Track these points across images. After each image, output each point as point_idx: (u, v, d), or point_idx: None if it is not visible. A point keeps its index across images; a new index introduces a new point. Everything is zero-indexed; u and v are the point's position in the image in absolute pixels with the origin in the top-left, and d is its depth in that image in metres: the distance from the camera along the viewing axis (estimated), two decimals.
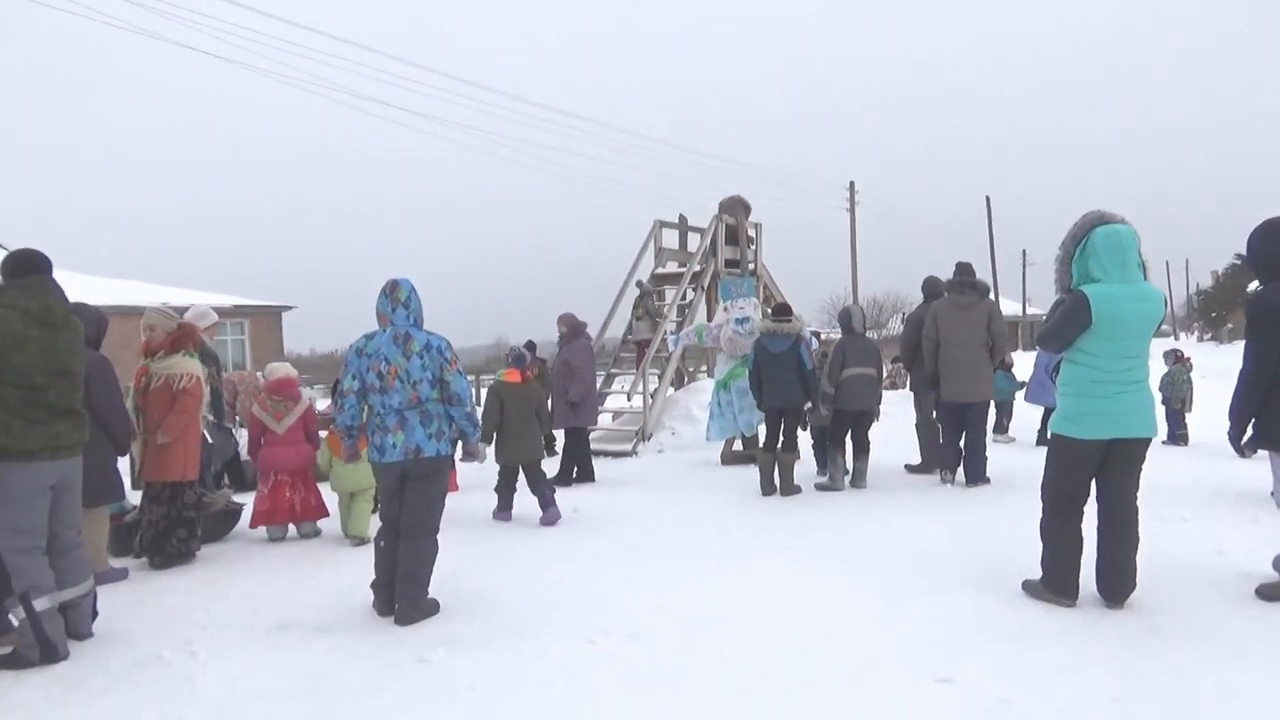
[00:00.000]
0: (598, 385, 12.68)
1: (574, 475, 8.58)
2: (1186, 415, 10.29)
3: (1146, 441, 4.05)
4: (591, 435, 11.33)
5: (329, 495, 6.43)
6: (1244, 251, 4.28)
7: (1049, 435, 4.20)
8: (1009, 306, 46.24)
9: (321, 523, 6.41)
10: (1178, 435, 10.09)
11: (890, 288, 61.19)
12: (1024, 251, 52.53)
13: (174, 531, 5.47)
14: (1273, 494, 6.39)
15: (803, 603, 4.32)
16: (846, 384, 7.52)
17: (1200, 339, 54.97)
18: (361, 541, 5.97)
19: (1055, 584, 4.09)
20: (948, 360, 7.50)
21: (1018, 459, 8.55)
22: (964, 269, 7.76)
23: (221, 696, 3.35)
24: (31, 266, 3.86)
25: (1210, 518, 5.95)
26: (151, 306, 5.92)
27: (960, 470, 7.59)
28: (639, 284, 12.72)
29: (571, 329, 8.98)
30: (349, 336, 4.73)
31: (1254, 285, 6.26)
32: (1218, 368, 21.78)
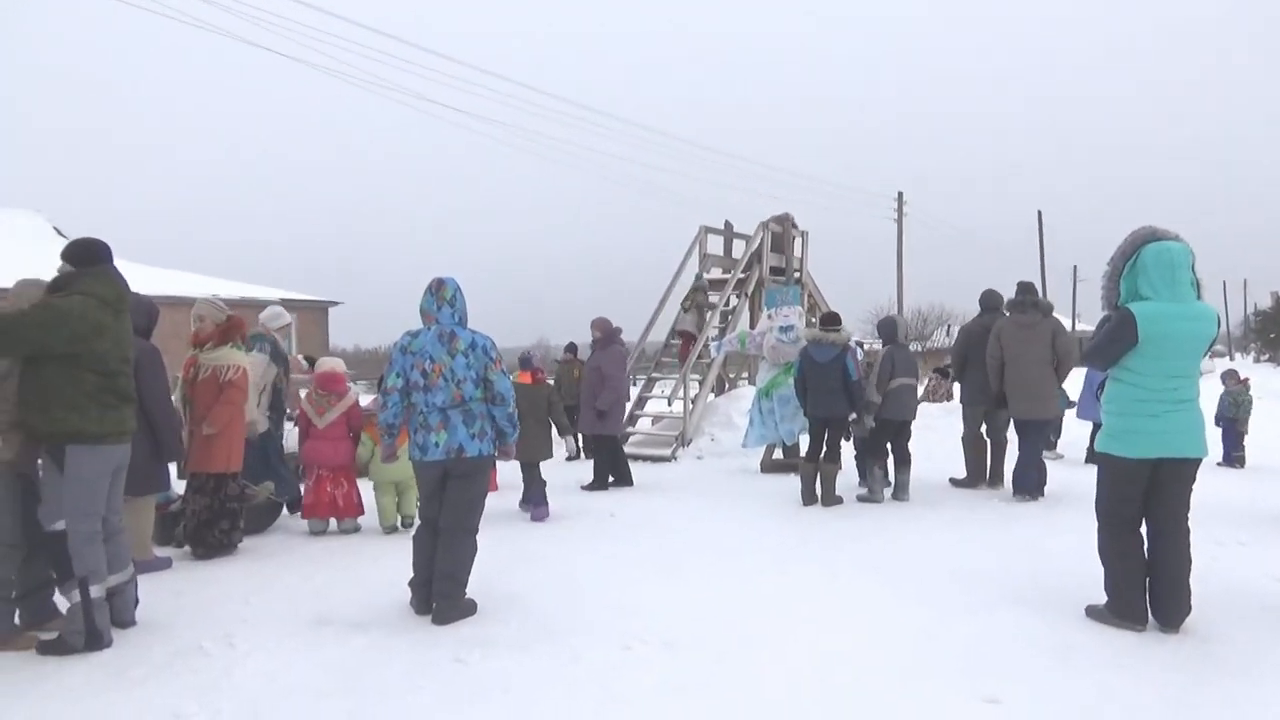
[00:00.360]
0: (638, 389, 12.68)
1: (610, 480, 8.54)
2: (1245, 437, 9.99)
3: (1196, 462, 3.94)
4: (631, 439, 11.35)
5: (369, 493, 6.49)
6: None
7: (1095, 453, 4.10)
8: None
9: (360, 519, 6.47)
10: (1234, 457, 9.79)
11: (935, 299, 60.51)
12: (1075, 267, 51.53)
13: (216, 523, 5.54)
14: None
15: (843, 614, 4.24)
16: (893, 394, 7.45)
17: (1256, 360, 53.47)
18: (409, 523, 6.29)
19: (1121, 608, 3.96)
20: (1012, 379, 7.48)
21: (1066, 475, 8.34)
22: (1026, 288, 7.74)
23: (259, 690, 3.36)
24: (99, 256, 3.96)
25: (1267, 543, 5.74)
26: (202, 298, 6.01)
27: (1009, 481, 7.56)
28: (698, 276, 12.74)
29: (605, 334, 8.89)
30: (393, 333, 4.77)
31: None
32: (1275, 390, 21.18)
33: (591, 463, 8.73)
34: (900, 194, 33.49)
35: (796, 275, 12.96)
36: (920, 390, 9.90)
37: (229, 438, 5.57)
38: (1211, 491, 6.13)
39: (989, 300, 8.27)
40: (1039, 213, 38.94)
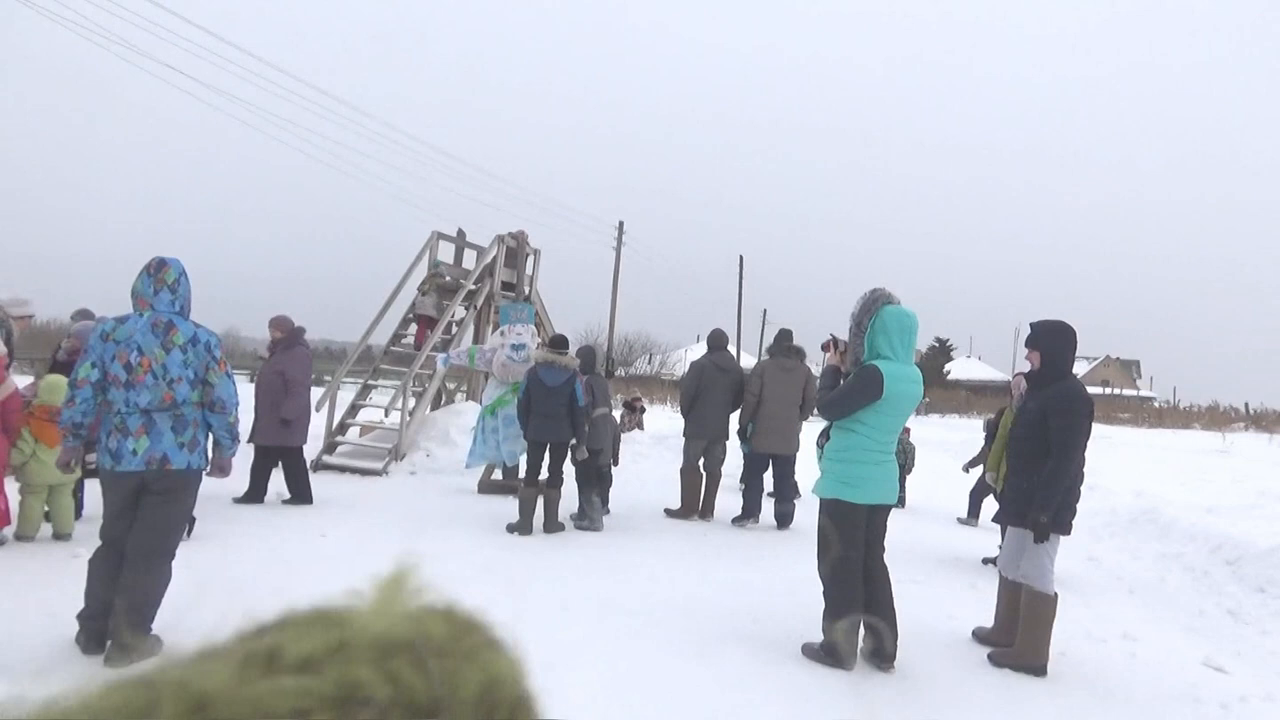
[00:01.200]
0: (351, 396, 11.89)
1: (293, 496, 7.74)
2: (907, 479, 11.34)
3: (890, 507, 4.37)
4: (338, 450, 10.58)
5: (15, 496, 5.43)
6: (1030, 337, 4.57)
7: (821, 500, 4.32)
8: (746, 361, 49.26)
9: (7, 530, 5.39)
10: (899, 498, 11.05)
11: (640, 328, 63.35)
12: (765, 311, 56.29)
13: None
14: (989, 560, 7.12)
15: (577, 653, 4.13)
16: (595, 423, 7.63)
17: None
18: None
19: (838, 650, 4.18)
20: (766, 416, 8.08)
21: (767, 509, 8.92)
22: (786, 335, 8.43)
23: None
24: None
25: (936, 582, 6.43)
26: None
27: (750, 516, 8.17)
28: (437, 263, 12.37)
29: (288, 335, 8.00)
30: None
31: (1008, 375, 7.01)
32: (919, 438, 24.47)
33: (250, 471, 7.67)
34: (621, 223, 34.84)
35: (527, 293, 12.88)
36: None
37: None
38: None
39: (717, 340, 8.71)
40: (740, 257, 42.28)
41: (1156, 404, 44.01)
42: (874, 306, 4.20)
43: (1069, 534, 4.53)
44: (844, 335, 4.53)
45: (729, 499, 9.26)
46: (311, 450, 10.77)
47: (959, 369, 68.73)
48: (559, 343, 7.69)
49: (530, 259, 13.21)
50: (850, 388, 4.16)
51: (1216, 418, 38.51)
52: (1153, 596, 6.41)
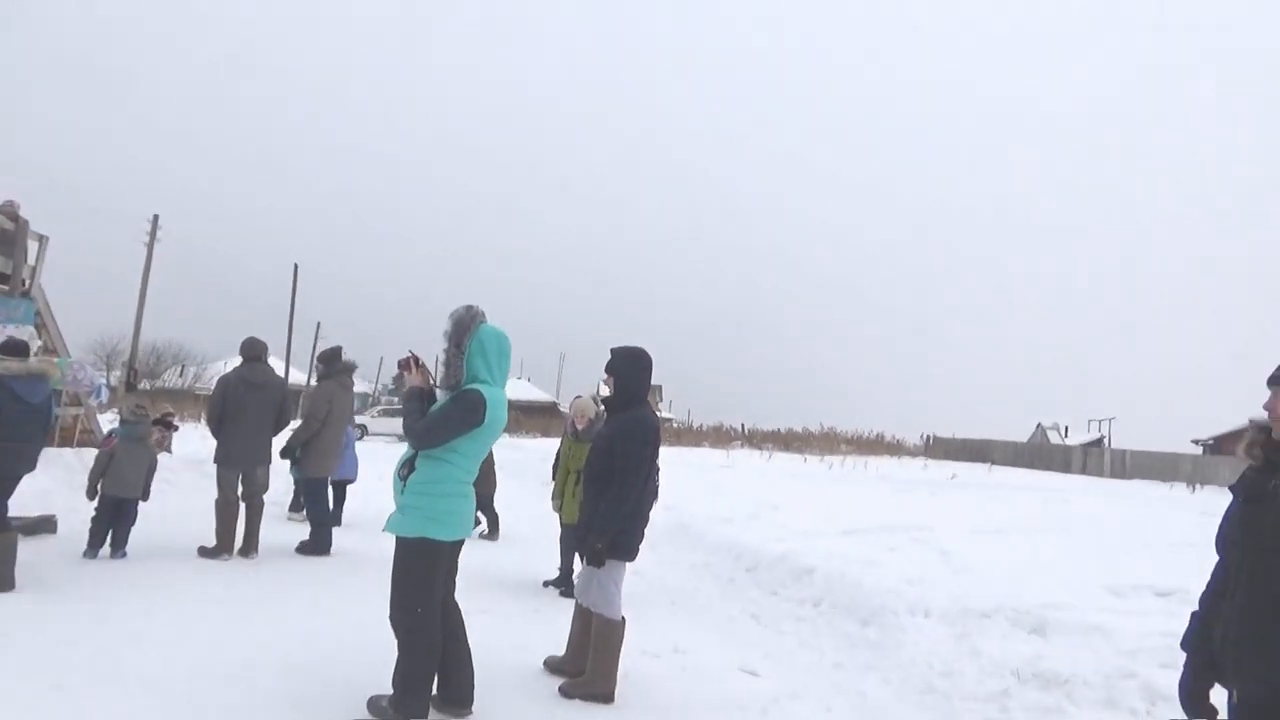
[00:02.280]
0: None
1: None
2: None
3: (464, 540, 4.10)
4: None
5: None
6: (608, 363, 4.62)
7: (401, 540, 3.85)
8: (297, 376, 46.06)
9: None
10: None
11: (172, 336, 56.70)
12: (319, 324, 52.95)
13: None
14: (549, 583, 7.26)
15: None
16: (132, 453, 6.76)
17: None
18: None
19: (414, 705, 3.79)
20: (327, 439, 7.87)
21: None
22: (340, 352, 8.27)
23: None
24: None
25: (501, 609, 6.29)
26: None
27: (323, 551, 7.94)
28: None
29: None
30: None
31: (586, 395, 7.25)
32: None
33: None
34: (156, 217, 30.73)
35: (26, 286, 10.48)
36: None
37: None
38: None
39: (250, 350, 7.77)
40: (295, 266, 39.76)
41: (675, 425, 49.89)
42: (472, 325, 3.91)
43: (633, 559, 4.62)
44: (419, 352, 4.13)
45: (276, 530, 8.43)
46: None
47: (510, 390, 71.42)
48: (18, 348, 6.11)
49: (36, 247, 10.81)
50: (451, 413, 3.79)
51: (721, 436, 44.90)
52: (691, 606, 6.99)
